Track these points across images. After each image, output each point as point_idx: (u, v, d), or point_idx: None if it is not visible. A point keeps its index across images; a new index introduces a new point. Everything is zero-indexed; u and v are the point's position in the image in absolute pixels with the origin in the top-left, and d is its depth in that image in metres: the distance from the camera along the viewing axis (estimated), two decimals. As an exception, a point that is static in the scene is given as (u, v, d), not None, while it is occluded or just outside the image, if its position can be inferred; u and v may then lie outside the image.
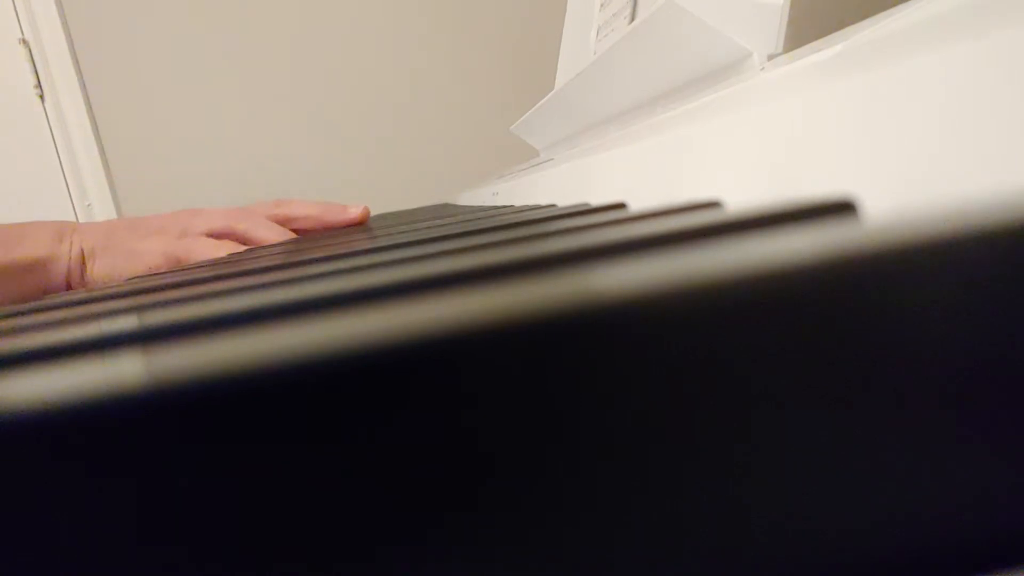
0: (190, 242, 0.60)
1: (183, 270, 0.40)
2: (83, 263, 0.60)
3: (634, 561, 0.08)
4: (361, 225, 0.66)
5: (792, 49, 0.29)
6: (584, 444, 0.08)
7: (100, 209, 1.68)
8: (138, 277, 0.43)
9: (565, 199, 0.39)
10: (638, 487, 0.08)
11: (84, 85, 1.68)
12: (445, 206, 0.91)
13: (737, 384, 0.08)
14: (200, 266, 0.42)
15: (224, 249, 0.59)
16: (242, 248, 0.64)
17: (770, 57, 0.31)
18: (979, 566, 0.08)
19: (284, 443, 0.07)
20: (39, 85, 1.66)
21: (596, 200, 0.31)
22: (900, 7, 0.18)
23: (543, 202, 0.43)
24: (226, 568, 0.07)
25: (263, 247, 0.56)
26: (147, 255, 0.59)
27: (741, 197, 0.19)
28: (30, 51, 1.65)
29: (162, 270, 0.58)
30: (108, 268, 0.60)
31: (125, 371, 0.08)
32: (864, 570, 0.08)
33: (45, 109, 1.68)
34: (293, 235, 0.66)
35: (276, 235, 0.62)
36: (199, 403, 0.07)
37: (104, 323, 0.16)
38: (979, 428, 0.08)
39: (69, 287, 0.60)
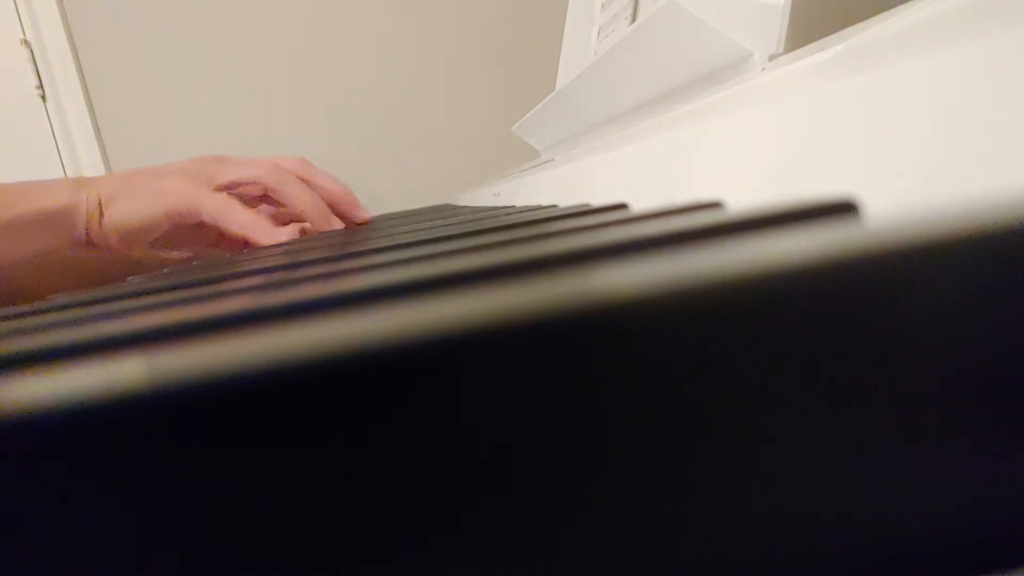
0: (217, 197, 0.58)
1: (183, 270, 0.40)
2: (101, 211, 0.58)
3: (635, 562, 0.08)
4: (364, 226, 0.65)
5: (793, 49, 0.29)
6: (585, 445, 0.08)
7: (101, 209, 1.68)
8: (139, 277, 0.43)
9: (566, 200, 0.39)
10: (639, 488, 0.08)
11: (86, 86, 1.68)
12: (446, 207, 0.91)
13: (738, 385, 0.08)
14: (202, 266, 0.42)
15: (251, 214, 0.57)
16: (273, 210, 0.63)
17: (771, 57, 0.31)
18: (979, 566, 0.08)
19: (284, 443, 0.07)
20: (41, 86, 1.66)
21: (597, 201, 0.31)
22: (901, 7, 0.18)
23: (544, 203, 0.43)
24: (227, 569, 0.07)
25: (263, 248, 0.55)
26: (169, 195, 0.57)
27: (742, 198, 0.19)
28: (32, 52, 1.65)
29: (183, 215, 0.58)
30: (128, 211, 0.58)
31: (125, 372, 0.08)
32: (865, 570, 0.08)
33: (47, 110, 1.68)
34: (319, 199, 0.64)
35: (306, 195, 0.60)
36: (200, 404, 0.07)
37: (104, 324, 0.16)
38: (980, 428, 0.08)
39: (88, 237, 0.58)
